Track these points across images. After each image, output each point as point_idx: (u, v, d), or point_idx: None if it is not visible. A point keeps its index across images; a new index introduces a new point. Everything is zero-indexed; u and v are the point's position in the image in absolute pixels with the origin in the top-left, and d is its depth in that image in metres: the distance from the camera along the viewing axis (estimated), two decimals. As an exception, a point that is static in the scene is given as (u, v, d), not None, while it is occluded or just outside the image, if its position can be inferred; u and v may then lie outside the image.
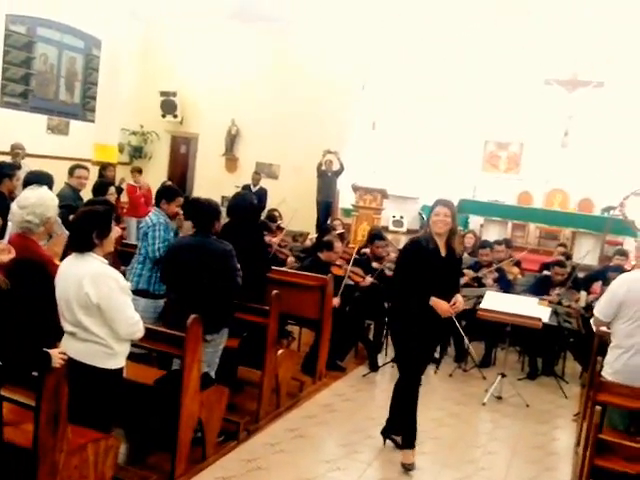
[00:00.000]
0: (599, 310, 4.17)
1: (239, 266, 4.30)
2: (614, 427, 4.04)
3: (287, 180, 13.49)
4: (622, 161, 11.87)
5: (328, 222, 9.89)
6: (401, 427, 4.39)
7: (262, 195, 11.57)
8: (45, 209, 3.49)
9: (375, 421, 5.02)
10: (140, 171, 10.08)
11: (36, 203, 3.48)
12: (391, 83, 13.49)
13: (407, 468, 4.23)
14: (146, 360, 4.68)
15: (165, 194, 4.81)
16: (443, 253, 4.22)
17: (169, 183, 5.26)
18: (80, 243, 3.20)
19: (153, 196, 7.14)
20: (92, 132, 12.44)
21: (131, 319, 3.20)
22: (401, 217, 13.30)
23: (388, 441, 4.57)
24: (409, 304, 4.20)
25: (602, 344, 4.85)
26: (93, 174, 8.79)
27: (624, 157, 11.86)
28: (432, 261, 4.16)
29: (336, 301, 5.92)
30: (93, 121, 12.69)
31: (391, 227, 12.96)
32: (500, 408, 5.70)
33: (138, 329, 3.25)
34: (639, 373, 3.88)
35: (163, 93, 14.51)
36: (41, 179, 4.87)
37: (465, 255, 8.40)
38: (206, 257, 4.19)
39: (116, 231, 3.53)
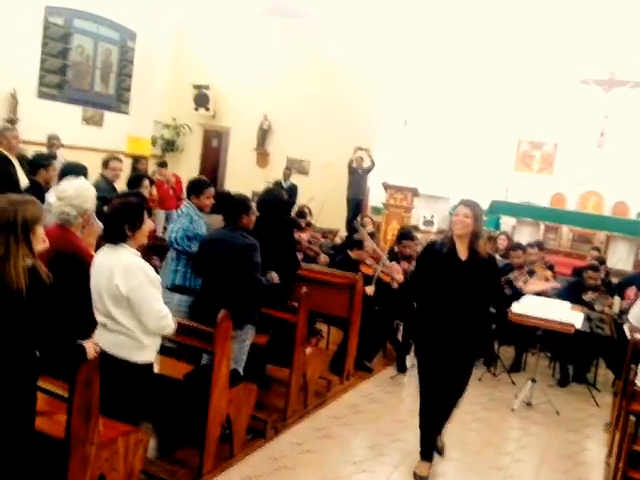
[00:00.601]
0: (634, 316, 4.06)
1: (260, 261, 4.27)
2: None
3: (317, 176, 13.47)
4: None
5: (357, 219, 9.82)
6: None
7: (292, 191, 11.59)
8: (83, 201, 3.52)
9: (402, 424, 5.00)
10: (163, 164, 10.10)
11: (74, 195, 3.51)
12: (424, 80, 13.36)
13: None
14: (176, 354, 4.72)
15: (194, 188, 4.80)
16: (463, 257, 3.92)
17: (197, 177, 5.25)
18: (113, 234, 3.22)
19: (183, 188, 7.19)
20: (126, 124, 12.57)
21: (159, 312, 3.19)
22: (432, 217, 13.18)
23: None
24: (420, 311, 4.06)
25: (636, 351, 4.75)
26: (126, 166, 8.90)
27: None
28: (447, 265, 3.90)
29: (370, 289, 5.91)
30: (127, 113, 12.83)
31: (421, 227, 12.85)
32: (530, 415, 5.61)
33: (168, 324, 3.25)
34: None
35: (196, 86, 14.60)
36: (77, 170, 4.92)
37: (497, 257, 8.33)
38: (228, 250, 4.19)
39: (149, 224, 3.53)
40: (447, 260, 3.89)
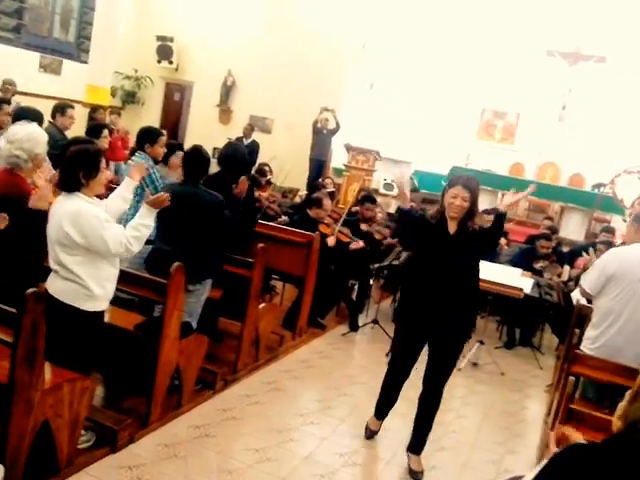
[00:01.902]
0: (586, 282, 4.14)
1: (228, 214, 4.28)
2: (588, 401, 4.10)
3: (280, 135, 13.35)
4: (617, 139, 11.82)
5: (319, 180, 9.81)
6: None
7: (254, 148, 11.47)
8: (34, 145, 3.43)
9: (351, 379, 5.10)
10: (117, 113, 9.87)
11: (24, 138, 3.42)
12: (392, 45, 13.27)
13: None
14: (128, 306, 4.70)
15: (149, 137, 4.70)
16: (452, 231, 3.68)
17: (148, 126, 5.14)
18: (67, 182, 3.17)
19: (130, 142, 7.03)
20: (85, 73, 12.19)
21: (117, 248, 3.14)
22: (392, 181, 13.24)
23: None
24: (407, 284, 3.85)
25: (581, 317, 4.91)
26: (83, 116, 8.67)
27: (619, 135, 11.81)
28: (435, 239, 3.70)
29: (332, 240, 6.04)
30: (86, 62, 12.44)
31: (382, 190, 12.90)
32: (475, 374, 5.79)
33: (128, 249, 3.19)
34: (621, 350, 3.89)
35: (160, 38, 14.20)
36: (32, 115, 4.77)
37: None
38: (198, 208, 4.15)
39: (106, 174, 3.45)
40: (436, 234, 3.70)
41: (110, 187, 5.70)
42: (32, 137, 3.46)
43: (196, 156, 4.34)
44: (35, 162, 3.49)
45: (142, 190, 4.55)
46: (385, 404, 4.18)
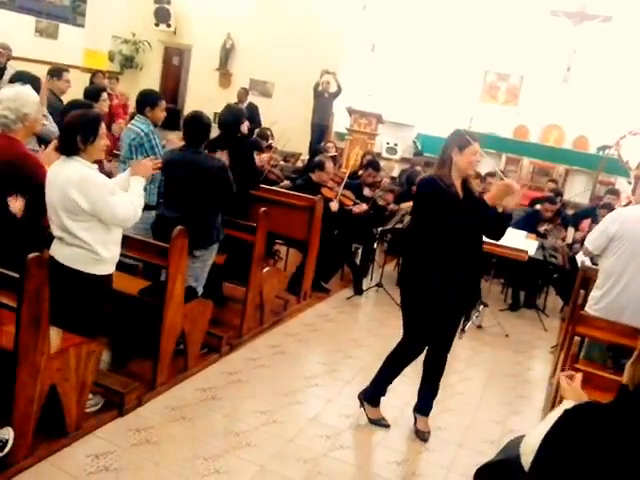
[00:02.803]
0: (590, 241, 4.14)
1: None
2: (592, 361, 4.11)
3: (281, 99, 13.18)
4: (621, 100, 11.65)
5: (321, 144, 9.71)
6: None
7: (252, 111, 11.26)
8: (21, 104, 3.33)
9: (356, 342, 5.12)
10: (116, 79, 9.73)
11: (11, 97, 3.33)
12: (393, 5, 13.01)
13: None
14: (133, 271, 4.68)
15: (148, 100, 4.60)
16: (461, 195, 3.52)
17: (149, 89, 5.05)
18: (65, 146, 3.12)
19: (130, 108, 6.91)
20: (82, 37, 12.01)
21: (123, 216, 3.15)
22: (395, 144, 13.12)
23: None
24: (436, 262, 3.47)
25: (585, 278, 4.89)
26: (81, 81, 8.55)
27: (624, 96, 11.63)
28: (455, 207, 3.42)
29: (334, 205, 5.99)
30: (83, 26, 12.24)
31: (384, 154, 12.80)
32: (480, 337, 5.80)
33: (132, 217, 3.21)
34: (625, 310, 3.89)
35: (157, 0, 13.93)
36: (26, 79, 4.67)
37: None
38: (200, 174, 4.11)
39: (105, 140, 3.38)
40: (455, 200, 3.45)
41: (112, 153, 5.68)
42: (19, 97, 3.37)
43: (196, 122, 4.28)
44: (26, 123, 3.40)
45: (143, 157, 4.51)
46: (384, 383, 3.91)
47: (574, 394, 2.13)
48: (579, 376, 2.19)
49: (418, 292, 3.55)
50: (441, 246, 3.45)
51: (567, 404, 1.99)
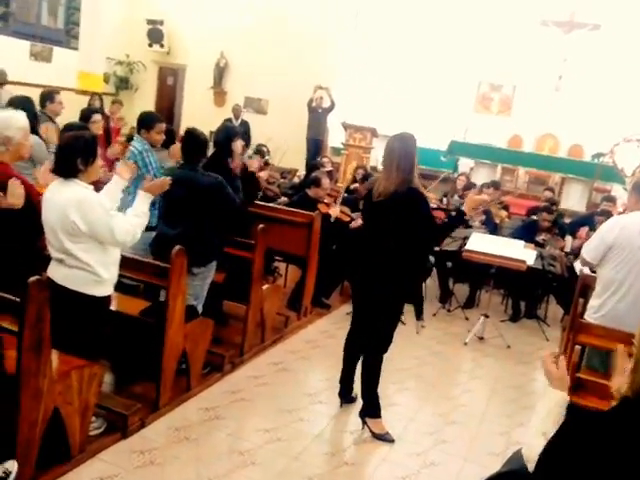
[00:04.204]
0: (587, 251, 4.13)
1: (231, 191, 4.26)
2: (594, 370, 4.10)
3: (276, 116, 13.23)
4: (614, 107, 11.71)
5: (317, 159, 9.74)
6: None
7: (246, 128, 11.34)
8: (4, 127, 3.32)
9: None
10: (117, 101, 9.82)
11: None
12: (384, 19, 13.10)
13: (379, 438, 3.95)
14: (134, 292, 4.68)
15: (144, 122, 4.65)
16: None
17: (147, 111, 5.09)
18: (64, 168, 3.13)
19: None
20: (76, 60, 12.08)
21: (121, 240, 3.16)
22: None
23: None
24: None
25: (585, 287, 4.89)
26: (77, 103, 8.58)
27: (616, 103, 11.70)
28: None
29: (334, 211, 6.03)
30: (77, 48, 12.31)
31: (380, 167, 12.81)
32: (482, 348, 5.79)
33: (130, 239, 3.22)
34: (624, 318, 3.88)
35: (150, 21, 14.00)
36: (22, 103, 4.71)
37: (455, 197, 8.44)
38: (197, 191, 4.13)
39: (100, 162, 3.41)
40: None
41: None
42: (3, 120, 3.38)
43: (191, 139, 4.31)
44: (10, 147, 3.37)
45: (139, 177, 4.53)
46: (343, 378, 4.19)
47: (560, 382, 2.08)
48: (563, 360, 2.15)
49: (399, 299, 3.88)
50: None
51: (552, 394, 1.98)
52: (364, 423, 3.98)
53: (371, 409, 3.97)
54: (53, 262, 3.21)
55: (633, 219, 3.99)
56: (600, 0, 11.52)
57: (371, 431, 3.94)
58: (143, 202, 3.36)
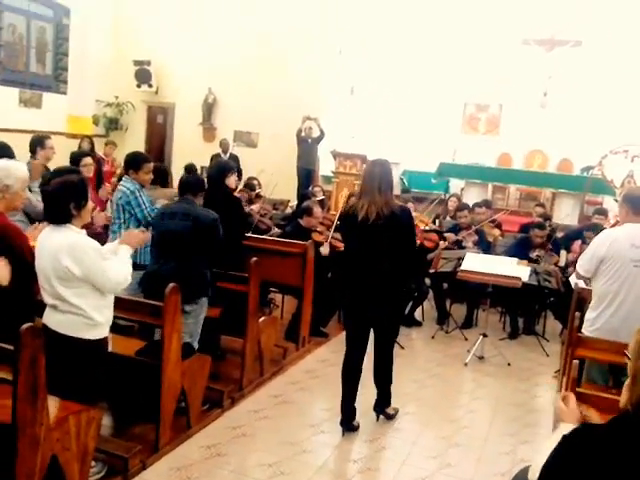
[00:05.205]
0: (581, 265, 4.16)
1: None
2: (594, 383, 4.09)
3: (266, 148, 13.34)
4: (600, 120, 11.87)
5: (309, 189, 9.80)
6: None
7: (236, 162, 11.41)
8: (5, 175, 3.35)
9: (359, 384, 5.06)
10: (111, 143, 9.92)
11: None
12: (368, 47, 13.33)
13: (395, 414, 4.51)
14: (129, 332, 4.67)
15: (132, 164, 4.69)
16: None
17: (135, 151, 5.14)
18: (57, 215, 3.14)
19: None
20: (65, 104, 12.21)
21: (115, 281, 3.17)
22: (382, 182, 13.20)
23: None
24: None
25: (580, 300, 4.90)
26: (67, 147, 8.66)
27: (602, 116, 11.85)
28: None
29: (325, 249, 6.10)
30: (66, 93, 12.46)
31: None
32: (482, 368, 5.77)
33: (123, 282, 3.23)
34: (619, 331, 3.88)
35: (137, 62, 14.17)
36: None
37: (447, 218, 8.48)
38: (193, 223, 4.18)
39: (91, 203, 3.43)
40: None
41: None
42: (4, 167, 3.41)
43: (188, 174, 4.41)
44: (7, 195, 3.41)
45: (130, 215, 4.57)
46: (344, 403, 4.28)
47: (571, 416, 2.12)
48: (572, 396, 2.19)
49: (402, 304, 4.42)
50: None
51: (564, 427, 1.98)
52: (380, 414, 4.42)
53: (389, 398, 4.44)
54: (47, 308, 3.21)
55: (624, 232, 4.02)
56: (580, 17, 11.72)
57: (389, 417, 4.43)
58: (127, 251, 3.39)
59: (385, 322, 4.21)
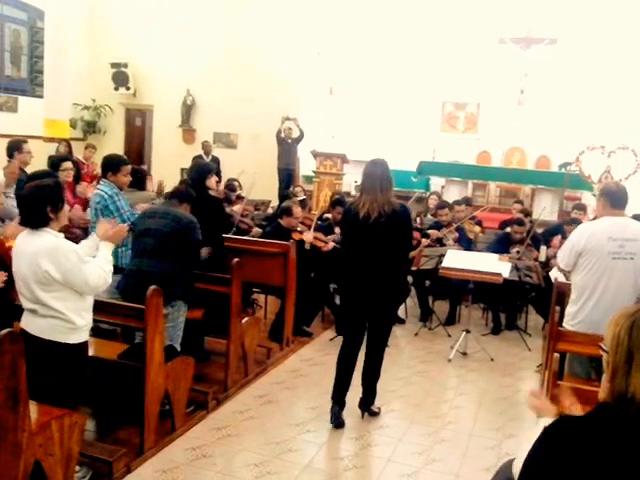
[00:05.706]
0: (560, 258, 4.20)
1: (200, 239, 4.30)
2: (576, 376, 4.13)
3: (246, 149, 13.32)
4: (577, 117, 12.02)
5: (290, 189, 9.80)
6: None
7: (217, 164, 11.40)
8: None
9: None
10: (90, 146, 9.85)
11: None
12: (347, 47, 13.36)
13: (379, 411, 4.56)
14: (111, 336, 4.64)
15: (109, 166, 4.65)
16: None
17: (112, 154, 5.11)
18: (34, 219, 3.11)
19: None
20: (42, 108, 12.06)
21: (95, 284, 3.14)
22: (362, 182, 13.23)
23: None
24: None
25: (560, 295, 4.95)
26: (44, 151, 8.57)
27: (578, 113, 12.01)
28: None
29: (308, 236, 6.12)
30: (42, 96, 12.30)
31: (353, 192, 12.91)
32: (465, 364, 5.80)
33: (103, 284, 3.21)
34: (600, 323, 3.91)
35: (114, 65, 14.08)
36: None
37: (428, 216, 8.51)
38: (172, 223, 4.20)
39: (67, 206, 3.41)
40: None
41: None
42: None
43: (179, 185, 4.48)
44: None
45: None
46: (337, 394, 4.35)
47: (548, 410, 2.14)
48: (542, 392, 2.22)
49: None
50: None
51: (545, 421, 2.00)
52: (365, 412, 4.45)
53: (374, 397, 4.48)
54: (26, 313, 3.18)
55: (601, 225, 4.07)
56: (555, 15, 11.84)
57: (373, 414, 4.46)
58: (108, 249, 3.35)
59: (382, 319, 4.32)
